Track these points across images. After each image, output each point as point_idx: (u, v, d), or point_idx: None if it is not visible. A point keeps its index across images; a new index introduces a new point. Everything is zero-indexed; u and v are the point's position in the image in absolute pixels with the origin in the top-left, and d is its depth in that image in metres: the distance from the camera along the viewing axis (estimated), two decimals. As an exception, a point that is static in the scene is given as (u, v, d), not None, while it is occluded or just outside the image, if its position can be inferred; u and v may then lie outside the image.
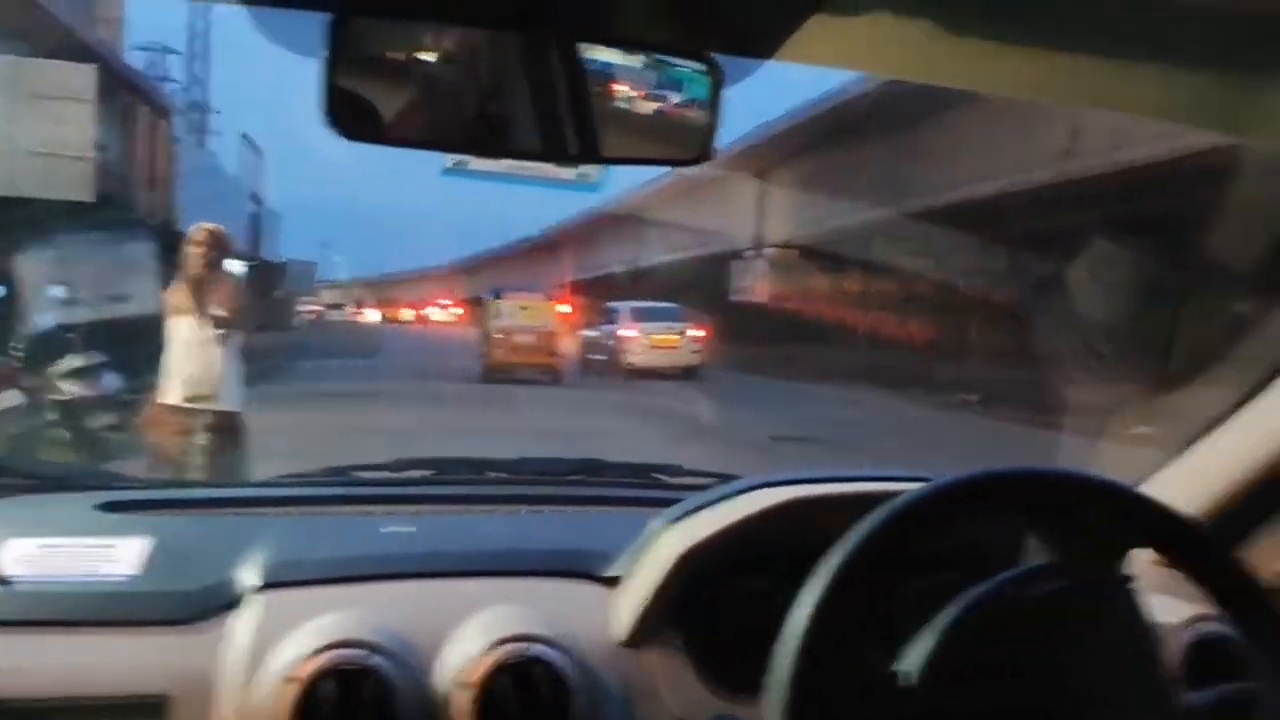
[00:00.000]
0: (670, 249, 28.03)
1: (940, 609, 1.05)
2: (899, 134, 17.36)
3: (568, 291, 28.02)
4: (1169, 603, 1.30)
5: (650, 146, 1.06)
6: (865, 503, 1.09)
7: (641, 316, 20.77)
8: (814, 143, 20.33)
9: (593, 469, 1.96)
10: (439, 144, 1.07)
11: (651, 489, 1.89)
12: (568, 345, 20.67)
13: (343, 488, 1.87)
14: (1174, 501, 1.46)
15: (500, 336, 18.86)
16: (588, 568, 1.43)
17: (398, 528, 1.55)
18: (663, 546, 1.37)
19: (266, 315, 21.76)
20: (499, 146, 1.10)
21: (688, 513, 1.42)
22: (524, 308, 19.60)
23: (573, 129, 1.02)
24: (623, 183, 26.13)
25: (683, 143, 1.05)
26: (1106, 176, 13.44)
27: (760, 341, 23.71)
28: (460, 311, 49.12)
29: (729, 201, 24.61)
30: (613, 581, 1.41)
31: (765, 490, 1.41)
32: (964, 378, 16.80)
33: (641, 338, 20.34)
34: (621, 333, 20.80)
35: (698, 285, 24.72)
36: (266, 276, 24.99)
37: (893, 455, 10.10)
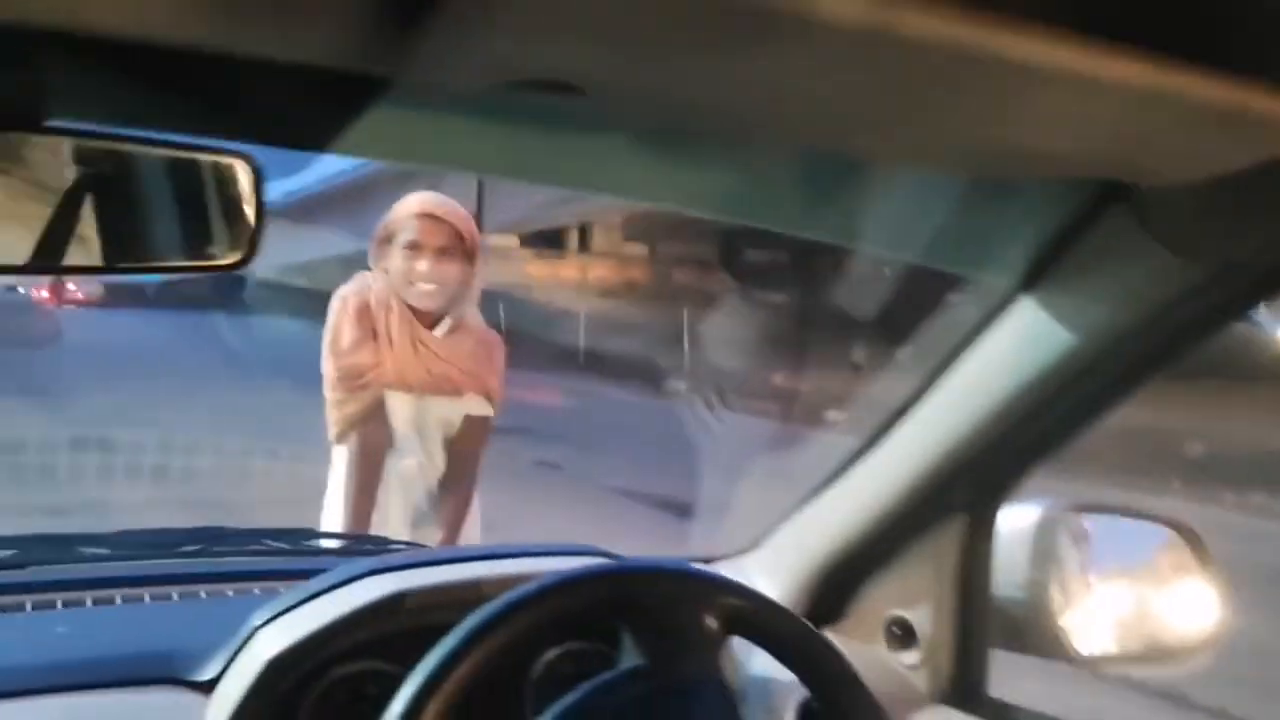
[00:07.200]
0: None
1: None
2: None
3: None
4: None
5: (194, 253, 0.96)
6: (479, 594, 1.04)
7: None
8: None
9: (211, 539, 1.76)
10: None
11: (283, 557, 1.76)
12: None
13: None
14: (780, 568, 1.51)
15: None
16: (180, 671, 1.27)
17: None
18: (257, 648, 1.26)
19: None
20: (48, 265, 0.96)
21: (288, 608, 1.31)
22: None
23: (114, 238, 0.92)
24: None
25: (228, 245, 0.96)
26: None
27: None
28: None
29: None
30: (208, 686, 1.27)
31: (371, 579, 1.33)
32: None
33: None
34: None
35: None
36: None
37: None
